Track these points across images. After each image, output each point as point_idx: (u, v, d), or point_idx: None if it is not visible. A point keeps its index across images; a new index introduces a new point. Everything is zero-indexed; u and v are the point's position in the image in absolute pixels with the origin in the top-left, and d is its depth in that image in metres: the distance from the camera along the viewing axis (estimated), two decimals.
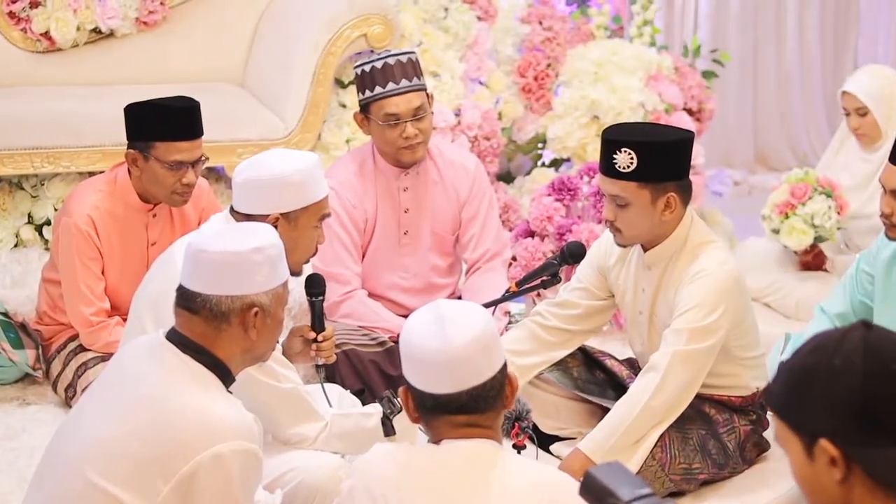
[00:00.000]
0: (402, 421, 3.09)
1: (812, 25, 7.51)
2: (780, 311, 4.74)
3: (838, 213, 4.62)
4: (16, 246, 4.78)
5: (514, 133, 5.49)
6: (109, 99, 4.68)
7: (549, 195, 4.76)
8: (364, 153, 4.06)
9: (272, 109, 4.97)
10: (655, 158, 3.21)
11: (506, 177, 5.59)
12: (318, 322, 3.27)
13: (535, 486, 2.21)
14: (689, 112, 5.46)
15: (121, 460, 2.32)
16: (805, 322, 4.12)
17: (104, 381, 2.51)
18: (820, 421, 1.69)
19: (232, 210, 3.06)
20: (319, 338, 3.26)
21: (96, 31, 5.11)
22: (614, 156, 3.21)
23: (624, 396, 3.29)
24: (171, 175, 3.71)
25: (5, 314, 4.14)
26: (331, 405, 3.19)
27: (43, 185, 4.83)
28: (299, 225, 3.03)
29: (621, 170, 3.21)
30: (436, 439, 2.27)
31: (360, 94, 3.91)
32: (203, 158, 3.75)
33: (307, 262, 3.15)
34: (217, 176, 5.06)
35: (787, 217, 4.66)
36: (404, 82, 3.85)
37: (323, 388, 3.23)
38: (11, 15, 4.99)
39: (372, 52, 4.80)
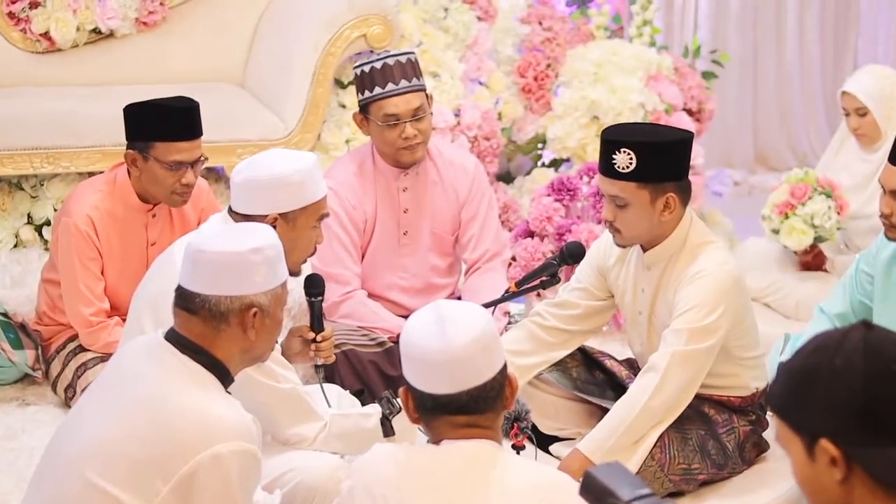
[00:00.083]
0: (401, 421, 3.09)
1: (812, 26, 7.51)
2: (780, 311, 4.74)
3: (838, 214, 4.62)
4: (15, 246, 4.78)
5: (514, 133, 5.50)
6: (109, 99, 4.68)
7: (549, 195, 4.76)
8: (363, 153, 4.06)
9: (272, 110, 4.97)
10: (655, 159, 3.21)
11: (505, 177, 5.59)
12: (317, 322, 3.27)
13: (535, 486, 2.21)
14: (689, 112, 5.46)
15: (120, 461, 2.32)
16: (805, 322, 4.12)
17: (103, 382, 2.51)
18: (820, 421, 1.69)
19: (230, 210, 3.06)
20: (318, 338, 3.26)
21: (96, 31, 5.11)
22: (613, 156, 3.21)
23: (623, 397, 3.29)
24: (171, 175, 3.71)
25: (5, 314, 4.14)
26: (330, 405, 3.19)
27: (42, 185, 4.83)
28: (298, 225, 3.03)
29: (620, 170, 3.21)
30: (435, 440, 2.27)
31: (359, 94, 3.92)
32: (202, 159, 3.75)
33: (305, 261, 3.15)
34: (217, 176, 5.06)
35: (786, 217, 4.66)
36: (404, 83, 3.85)
37: (322, 388, 3.23)
38: (11, 15, 4.99)
39: (371, 52, 4.80)
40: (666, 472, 3.28)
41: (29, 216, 4.82)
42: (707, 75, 5.81)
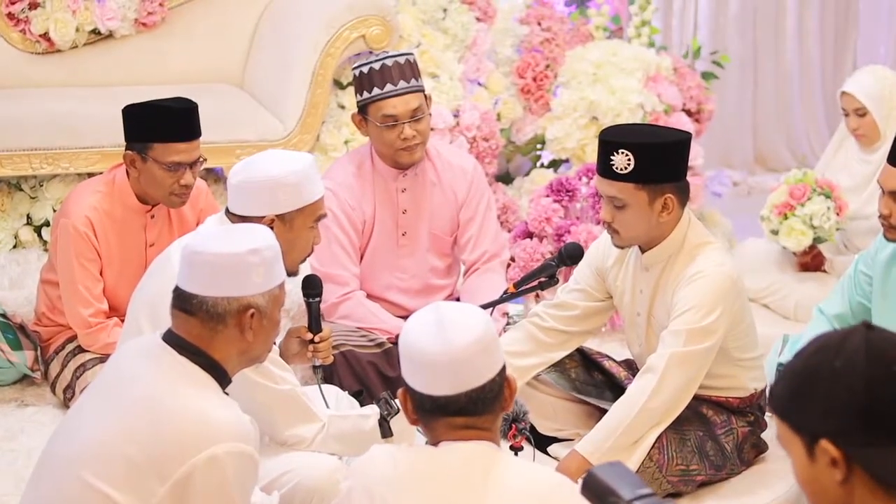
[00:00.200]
0: (399, 422, 3.09)
1: (812, 26, 7.51)
2: (779, 312, 4.74)
3: (837, 214, 4.62)
4: (14, 247, 4.78)
5: (513, 134, 5.50)
6: (108, 100, 4.68)
7: (548, 196, 4.77)
8: (362, 154, 4.06)
9: (271, 110, 4.98)
10: (653, 160, 3.21)
11: (504, 178, 5.59)
12: (314, 323, 3.27)
13: (533, 487, 2.21)
14: (688, 113, 5.46)
15: (117, 462, 2.32)
16: (804, 323, 4.12)
17: (101, 383, 2.51)
18: (821, 422, 1.69)
19: (227, 212, 3.06)
20: (316, 339, 3.26)
21: (95, 32, 5.11)
22: (611, 157, 3.21)
23: (621, 398, 3.29)
24: (169, 176, 3.71)
25: (4, 315, 4.14)
26: (328, 406, 3.19)
27: (42, 186, 4.83)
28: (295, 226, 3.04)
29: (618, 171, 3.21)
30: (434, 441, 2.27)
31: (358, 95, 3.92)
32: (201, 160, 3.75)
33: (303, 262, 3.15)
34: (216, 177, 5.06)
35: (785, 218, 4.65)
36: (402, 84, 3.85)
37: (320, 389, 3.23)
38: (10, 16, 5.00)
39: (371, 53, 4.80)
40: (664, 474, 3.28)
41: (28, 217, 4.82)
42: (707, 76, 5.81)
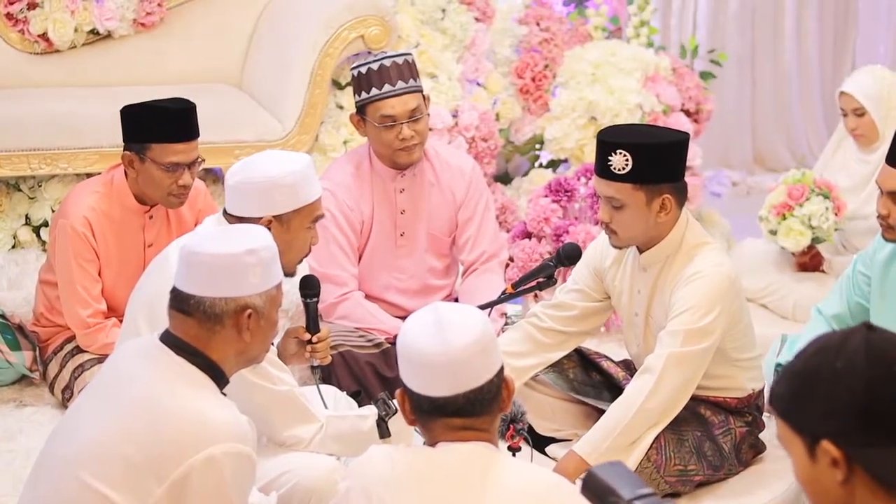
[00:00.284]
0: (397, 423, 3.08)
1: (810, 26, 7.51)
2: (778, 312, 4.75)
3: (836, 215, 4.62)
4: (13, 247, 4.78)
5: (512, 134, 5.50)
6: (107, 100, 4.68)
7: (547, 196, 4.77)
8: (360, 155, 4.06)
9: (270, 111, 4.97)
10: (650, 160, 3.21)
11: (503, 178, 5.59)
12: (312, 323, 3.27)
13: (531, 488, 2.21)
14: (687, 113, 5.46)
15: (114, 462, 2.32)
16: (802, 323, 4.12)
17: (99, 383, 2.52)
18: (822, 422, 1.69)
19: (225, 212, 3.06)
20: (314, 339, 3.26)
21: (94, 32, 5.11)
22: (609, 157, 3.21)
23: (619, 398, 3.29)
24: (168, 177, 3.71)
25: (2, 316, 4.14)
26: (326, 407, 3.19)
27: (40, 186, 4.83)
28: (292, 227, 3.04)
29: (616, 171, 3.21)
30: (432, 441, 2.27)
31: (356, 95, 3.92)
32: (199, 160, 3.75)
33: (301, 262, 3.15)
34: (214, 177, 5.06)
35: (784, 218, 4.66)
36: (400, 84, 3.85)
37: (318, 389, 3.23)
38: (9, 16, 4.99)
39: (369, 53, 4.80)
40: (662, 474, 3.28)
41: (27, 217, 4.82)
42: (705, 76, 5.81)
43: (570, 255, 3.55)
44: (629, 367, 3.59)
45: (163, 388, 2.38)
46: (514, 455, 2.94)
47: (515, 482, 2.22)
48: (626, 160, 3.19)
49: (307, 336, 3.26)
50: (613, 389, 3.53)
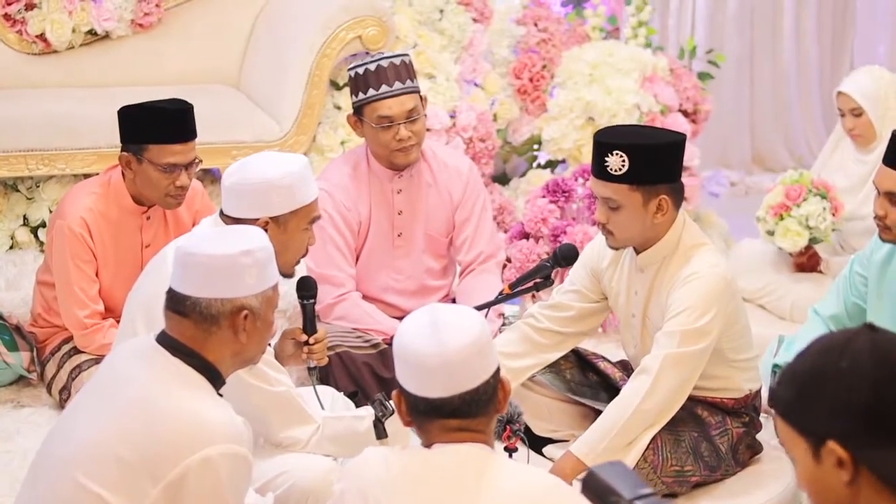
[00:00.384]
0: (394, 424, 3.09)
1: (809, 26, 7.51)
2: (775, 312, 4.75)
3: (833, 215, 4.62)
4: (11, 248, 4.78)
5: (510, 135, 5.50)
6: (105, 101, 4.68)
7: (544, 197, 4.77)
8: (358, 155, 4.06)
9: (267, 111, 4.97)
10: (647, 161, 3.20)
11: (501, 178, 5.59)
12: (309, 324, 3.27)
13: (527, 490, 2.21)
14: (685, 113, 5.46)
15: (110, 463, 2.32)
16: (800, 324, 4.12)
17: (95, 384, 2.52)
18: (827, 423, 1.69)
19: (221, 213, 3.06)
20: (311, 340, 3.26)
21: (92, 32, 5.11)
22: (606, 158, 3.21)
23: (615, 399, 3.29)
24: (165, 178, 3.71)
25: (0, 316, 4.14)
26: (323, 408, 3.19)
27: (38, 187, 4.83)
28: (289, 228, 3.03)
29: (613, 172, 3.21)
30: (428, 443, 2.27)
31: (353, 96, 3.92)
32: (196, 161, 3.75)
33: (297, 263, 3.15)
34: (212, 178, 5.06)
35: (781, 219, 4.66)
36: (398, 85, 3.86)
37: (315, 390, 3.23)
38: (7, 17, 4.99)
39: (367, 54, 4.80)
40: (659, 474, 3.27)
41: (25, 218, 4.82)
42: (703, 76, 5.82)
43: (566, 256, 3.55)
44: (626, 368, 3.59)
45: (159, 389, 2.38)
46: (510, 456, 2.94)
47: (511, 484, 2.21)
48: (623, 161, 3.19)
49: (304, 337, 3.27)
50: (610, 390, 3.53)
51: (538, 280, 3.55)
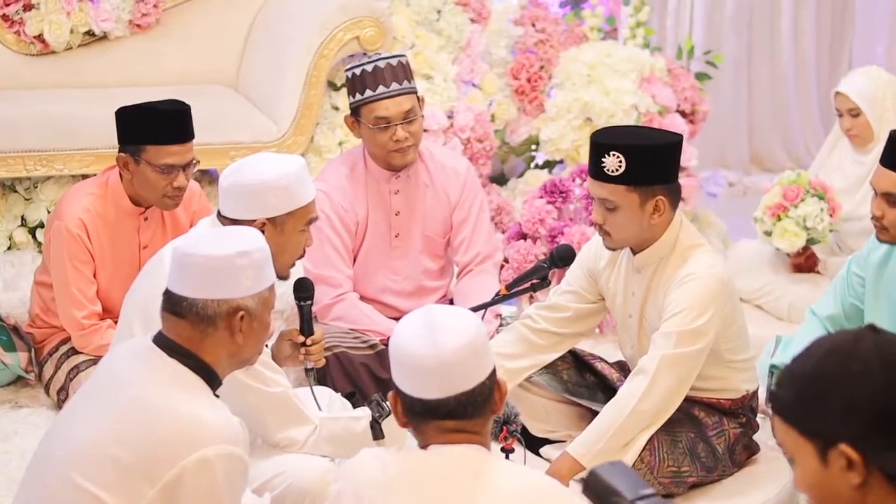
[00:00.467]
0: (391, 424, 3.08)
1: (807, 27, 7.51)
2: (773, 313, 4.75)
3: (830, 216, 4.62)
4: (9, 248, 4.79)
5: (507, 135, 5.50)
6: (103, 101, 4.68)
7: (542, 197, 4.77)
8: (355, 156, 4.06)
9: (265, 112, 4.98)
10: (644, 162, 3.21)
11: (499, 179, 5.59)
12: (306, 326, 3.27)
13: (523, 491, 2.21)
14: (683, 114, 5.46)
15: (106, 464, 2.32)
16: (798, 324, 4.11)
17: (92, 385, 2.52)
18: (838, 426, 1.69)
19: (219, 214, 3.06)
20: (308, 341, 3.26)
21: (90, 33, 5.11)
22: (603, 159, 3.21)
23: (612, 400, 3.29)
24: (162, 179, 3.71)
25: None
26: (320, 408, 3.19)
27: (36, 187, 4.83)
28: (286, 229, 3.03)
29: (610, 173, 3.21)
30: (424, 444, 2.27)
31: (350, 97, 3.92)
32: (194, 162, 3.76)
33: (294, 265, 3.15)
34: (210, 179, 5.06)
35: (779, 219, 4.66)
36: (395, 85, 3.86)
37: (312, 391, 3.23)
38: (5, 18, 4.99)
39: (364, 54, 4.80)
40: (655, 475, 3.27)
41: (23, 218, 4.82)
42: (701, 76, 5.82)
43: (563, 257, 3.55)
44: (623, 369, 3.59)
45: (155, 390, 2.39)
46: (507, 456, 2.94)
47: (507, 485, 2.21)
48: (620, 162, 3.19)
49: (301, 338, 3.27)
50: (607, 391, 3.53)
51: (535, 281, 3.55)
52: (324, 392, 3.39)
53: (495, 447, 2.71)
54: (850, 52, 7.64)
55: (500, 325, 4.01)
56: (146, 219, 3.88)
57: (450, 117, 5.16)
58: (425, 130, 4.34)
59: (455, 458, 2.22)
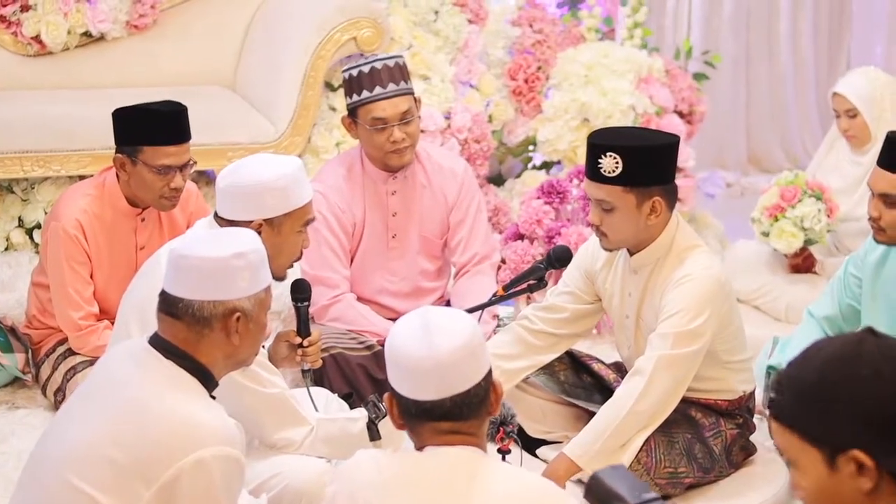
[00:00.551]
0: (387, 425, 3.08)
1: (805, 28, 7.51)
2: (770, 313, 4.74)
3: (828, 216, 4.62)
4: (6, 249, 4.79)
5: (505, 136, 5.50)
6: (100, 102, 4.68)
7: (539, 198, 4.77)
8: (352, 157, 4.06)
9: (262, 113, 4.97)
10: (641, 163, 3.21)
11: (496, 179, 5.59)
12: (303, 327, 3.27)
13: (519, 493, 2.21)
14: (680, 115, 5.46)
15: (102, 465, 2.32)
16: (795, 325, 4.12)
17: (89, 386, 2.52)
18: (848, 432, 1.68)
19: (216, 215, 3.06)
20: (305, 343, 3.26)
21: (87, 34, 5.11)
22: (599, 160, 3.21)
23: (609, 401, 3.29)
24: (159, 179, 3.71)
25: None
26: (317, 409, 3.19)
27: (33, 188, 4.83)
28: (283, 231, 3.03)
29: (607, 174, 3.21)
30: (420, 445, 2.27)
31: (347, 98, 3.92)
32: (191, 163, 3.75)
33: (291, 266, 3.14)
34: (207, 179, 5.06)
35: (776, 220, 4.66)
36: (391, 86, 3.86)
37: (309, 392, 3.23)
38: (2, 19, 5.00)
39: (361, 55, 4.80)
40: (652, 476, 3.27)
41: (20, 219, 4.82)
42: (699, 77, 5.82)
43: (560, 258, 3.55)
44: (620, 370, 3.59)
45: (152, 391, 2.39)
46: (504, 457, 2.94)
47: (502, 487, 2.21)
48: (617, 163, 3.19)
49: (298, 340, 3.27)
50: (604, 392, 3.53)
51: (532, 282, 3.54)
52: (320, 393, 3.39)
53: (492, 448, 2.71)
54: (848, 53, 7.64)
55: (498, 325, 4.01)
56: (143, 220, 3.88)
57: (447, 118, 5.16)
58: (422, 131, 4.34)
59: (450, 459, 2.23)
